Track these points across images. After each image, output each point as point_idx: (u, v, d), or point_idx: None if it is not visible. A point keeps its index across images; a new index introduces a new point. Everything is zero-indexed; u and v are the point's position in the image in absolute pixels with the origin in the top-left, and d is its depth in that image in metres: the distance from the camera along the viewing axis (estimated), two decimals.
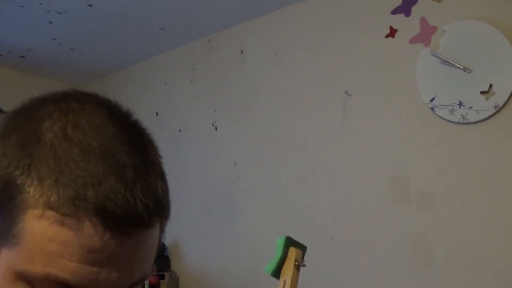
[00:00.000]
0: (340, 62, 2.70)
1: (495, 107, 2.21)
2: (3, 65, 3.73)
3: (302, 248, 1.16)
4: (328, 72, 2.74)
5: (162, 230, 0.63)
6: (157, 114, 3.54)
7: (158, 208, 0.57)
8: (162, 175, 0.61)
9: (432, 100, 2.38)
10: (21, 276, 0.53)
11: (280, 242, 1.14)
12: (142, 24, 3.14)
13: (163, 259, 3.25)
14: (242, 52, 3.11)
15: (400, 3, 2.55)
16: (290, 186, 2.79)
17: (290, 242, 1.14)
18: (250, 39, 3.09)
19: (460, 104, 2.30)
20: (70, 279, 0.52)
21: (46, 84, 3.89)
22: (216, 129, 3.18)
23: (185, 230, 3.25)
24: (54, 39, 3.33)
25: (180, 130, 3.38)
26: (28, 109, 0.58)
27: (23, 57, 3.61)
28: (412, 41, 2.49)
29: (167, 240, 3.29)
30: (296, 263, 1.10)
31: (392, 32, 2.56)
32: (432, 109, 2.37)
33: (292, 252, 1.12)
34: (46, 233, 0.52)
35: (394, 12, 2.56)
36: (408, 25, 2.51)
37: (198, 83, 3.33)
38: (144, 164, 0.58)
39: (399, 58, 2.52)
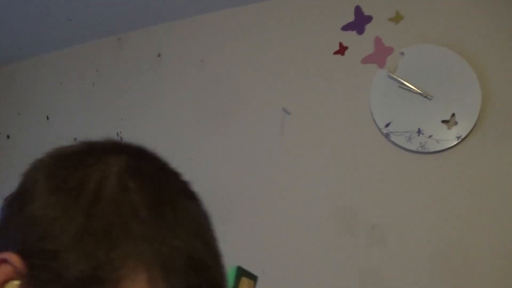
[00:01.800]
0: (278, 75, 2.43)
1: (458, 137, 2.07)
2: None
3: (253, 278, 1.10)
4: (263, 85, 2.46)
5: None
6: (47, 118, 3.02)
7: None
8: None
9: (387, 125, 2.19)
10: None
11: (231, 273, 1.05)
12: (43, 10, 2.64)
13: None
14: (159, 55, 2.73)
15: (352, 19, 2.35)
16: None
17: (241, 273, 1.07)
18: (170, 41, 2.72)
19: (419, 132, 2.14)
20: None
21: None
22: (121, 140, 2.74)
23: None
24: None
25: (75, 139, 2.87)
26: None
27: None
28: (365, 61, 2.30)
29: None
30: None
31: (342, 49, 2.35)
32: (387, 135, 2.19)
33: (244, 283, 1.07)
34: None
35: (345, 28, 2.36)
36: (360, 44, 2.31)
37: (102, 86, 2.89)
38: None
39: (349, 78, 2.31)
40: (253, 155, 2.42)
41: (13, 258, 0.50)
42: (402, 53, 2.22)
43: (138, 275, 0.50)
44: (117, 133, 2.74)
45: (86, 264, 0.49)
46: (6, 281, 0.50)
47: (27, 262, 0.50)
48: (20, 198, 0.57)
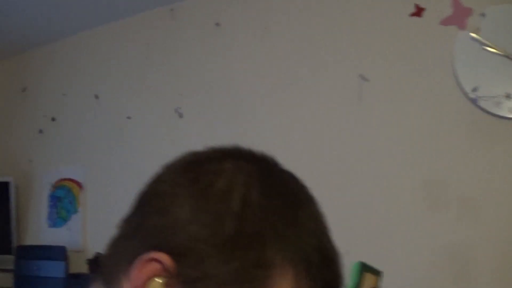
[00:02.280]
0: (353, 40, 2.27)
1: None
2: None
3: (377, 273, 1.08)
4: (338, 51, 2.30)
5: None
6: (96, 97, 2.87)
7: None
8: None
9: (474, 90, 2.02)
10: None
11: (354, 269, 1.05)
12: None
13: None
14: (217, 24, 2.57)
15: None
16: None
17: (364, 268, 1.06)
18: (229, 9, 2.56)
19: (508, 96, 1.97)
20: None
21: None
22: (180, 116, 2.60)
23: None
24: None
25: (129, 117, 2.75)
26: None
27: None
28: (445, 22, 2.12)
29: None
30: None
31: (419, 11, 2.18)
32: (474, 100, 2.02)
33: (368, 278, 1.05)
34: None
35: None
36: (436, 5, 2.14)
37: (155, 60, 2.73)
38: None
39: (429, 40, 2.14)
40: (329, 125, 2.27)
41: (163, 257, 0.53)
42: (483, 14, 2.05)
43: (286, 271, 0.55)
44: (176, 109, 2.60)
45: (238, 263, 0.54)
46: (151, 277, 0.53)
47: (177, 261, 0.53)
48: (158, 201, 0.59)
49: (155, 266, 0.53)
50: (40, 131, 3.05)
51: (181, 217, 0.56)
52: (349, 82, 2.23)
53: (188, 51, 2.62)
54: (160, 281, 0.53)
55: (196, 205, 0.56)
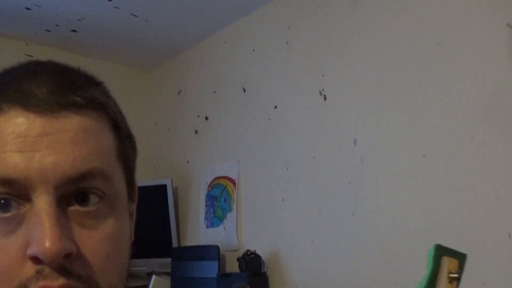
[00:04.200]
0: None
1: None
2: (52, 43, 3.07)
3: (459, 256, 0.90)
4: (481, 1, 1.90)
5: (115, 128, 0.64)
6: (244, 91, 2.77)
7: (79, 92, 0.61)
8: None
9: None
10: None
11: (430, 253, 0.89)
12: None
13: (258, 278, 2.43)
14: (355, 2, 2.31)
15: None
16: (440, 164, 1.94)
17: (441, 252, 0.89)
18: None
19: None
20: (7, 172, 0.55)
21: (100, 67, 3.22)
22: (325, 98, 2.37)
23: (288, 238, 2.44)
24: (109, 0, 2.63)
25: (275, 107, 2.59)
26: None
27: (74, 31, 2.93)
28: None
29: (264, 252, 2.48)
30: (450, 275, 0.87)
31: None
32: None
33: (445, 262, 0.89)
34: None
35: None
36: None
37: (296, 43, 2.55)
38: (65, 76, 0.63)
39: None
40: (481, 85, 1.88)
41: None
42: None
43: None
44: (320, 91, 2.39)
45: None
46: None
47: None
48: None
49: None
50: (196, 132, 3.04)
51: None
52: (499, 33, 1.82)
53: (328, 29, 2.40)
54: None
55: None
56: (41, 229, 0.53)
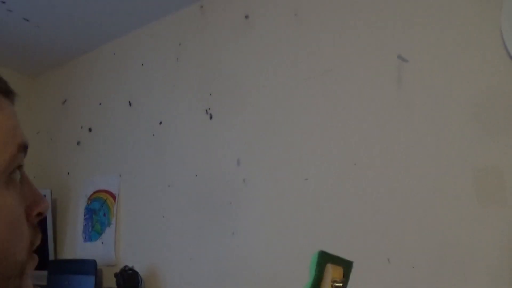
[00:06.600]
0: (389, 19, 1.99)
1: None
2: None
3: (344, 264, 0.93)
4: (373, 32, 2.02)
5: None
6: (130, 104, 2.75)
7: None
8: None
9: None
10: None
11: (313, 260, 0.92)
12: None
13: None
14: (247, 17, 2.37)
15: None
16: (322, 188, 2.02)
17: (325, 258, 0.92)
18: (258, 0, 2.36)
19: None
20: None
21: None
22: (211, 117, 2.40)
23: (167, 255, 2.44)
24: (3, 2, 2.53)
25: (160, 123, 2.59)
26: None
27: None
28: None
29: (142, 269, 2.46)
30: (335, 284, 0.89)
31: None
32: None
33: (329, 270, 0.91)
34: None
35: None
36: None
37: (186, 60, 2.57)
38: None
39: (474, 8, 1.83)
40: (367, 111, 1.99)
41: None
42: None
43: None
44: (206, 110, 2.42)
45: None
46: None
47: None
48: None
49: None
50: (78, 143, 2.97)
51: None
52: (385, 64, 1.95)
53: (218, 47, 2.44)
54: None
55: None
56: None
